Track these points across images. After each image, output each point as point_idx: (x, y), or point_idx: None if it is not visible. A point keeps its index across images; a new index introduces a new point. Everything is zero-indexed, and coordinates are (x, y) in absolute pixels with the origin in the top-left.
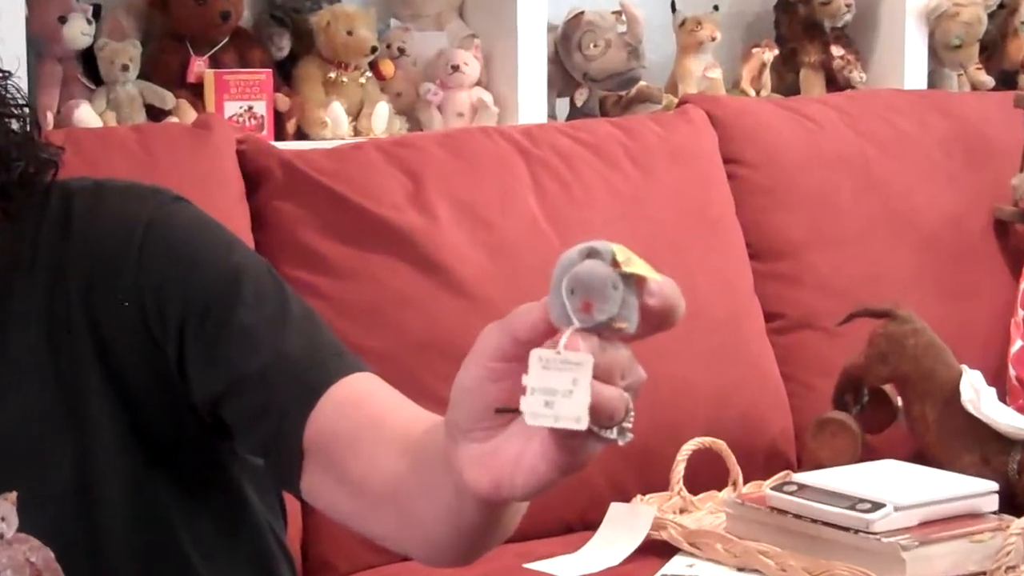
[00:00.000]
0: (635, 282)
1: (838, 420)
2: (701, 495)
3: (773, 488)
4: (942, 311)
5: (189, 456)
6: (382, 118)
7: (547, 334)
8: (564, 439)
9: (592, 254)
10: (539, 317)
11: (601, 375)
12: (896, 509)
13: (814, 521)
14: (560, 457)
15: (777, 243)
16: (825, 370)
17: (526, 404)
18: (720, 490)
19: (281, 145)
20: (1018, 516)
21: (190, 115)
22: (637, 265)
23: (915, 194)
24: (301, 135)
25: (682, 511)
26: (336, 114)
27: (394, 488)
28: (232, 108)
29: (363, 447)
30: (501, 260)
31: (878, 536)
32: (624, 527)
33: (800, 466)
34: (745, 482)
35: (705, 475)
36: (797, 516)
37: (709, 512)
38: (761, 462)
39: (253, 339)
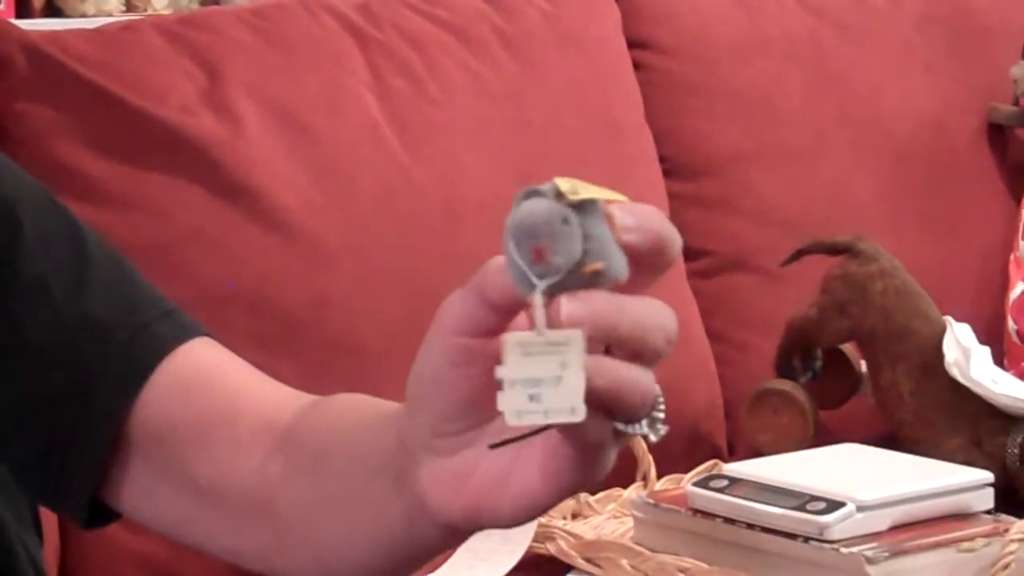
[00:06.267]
0: (601, 215)
1: (782, 391)
2: (600, 494)
3: (696, 484)
4: (919, 245)
5: None
6: None
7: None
8: (573, 443)
9: (531, 195)
10: None
11: (630, 339)
12: (859, 509)
13: (750, 526)
14: (568, 469)
15: (701, 156)
16: (764, 325)
17: (505, 402)
18: (625, 487)
19: (25, 24)
20: (1020, 516)
21: None
22: (588, 190)
23: (885, 91)
24: (53, 10)
25: (575, 516)
26: None
27: (263, 495)
28: None
29: (213, 441)
30: (329, 181)
31: (835, 545)
32: (497, 539)
33: (732, 454)
34: (659, 476)
35: None
36: (728, 520)
37: (611, 516)
38: (680, 449)
39: (42, 299)
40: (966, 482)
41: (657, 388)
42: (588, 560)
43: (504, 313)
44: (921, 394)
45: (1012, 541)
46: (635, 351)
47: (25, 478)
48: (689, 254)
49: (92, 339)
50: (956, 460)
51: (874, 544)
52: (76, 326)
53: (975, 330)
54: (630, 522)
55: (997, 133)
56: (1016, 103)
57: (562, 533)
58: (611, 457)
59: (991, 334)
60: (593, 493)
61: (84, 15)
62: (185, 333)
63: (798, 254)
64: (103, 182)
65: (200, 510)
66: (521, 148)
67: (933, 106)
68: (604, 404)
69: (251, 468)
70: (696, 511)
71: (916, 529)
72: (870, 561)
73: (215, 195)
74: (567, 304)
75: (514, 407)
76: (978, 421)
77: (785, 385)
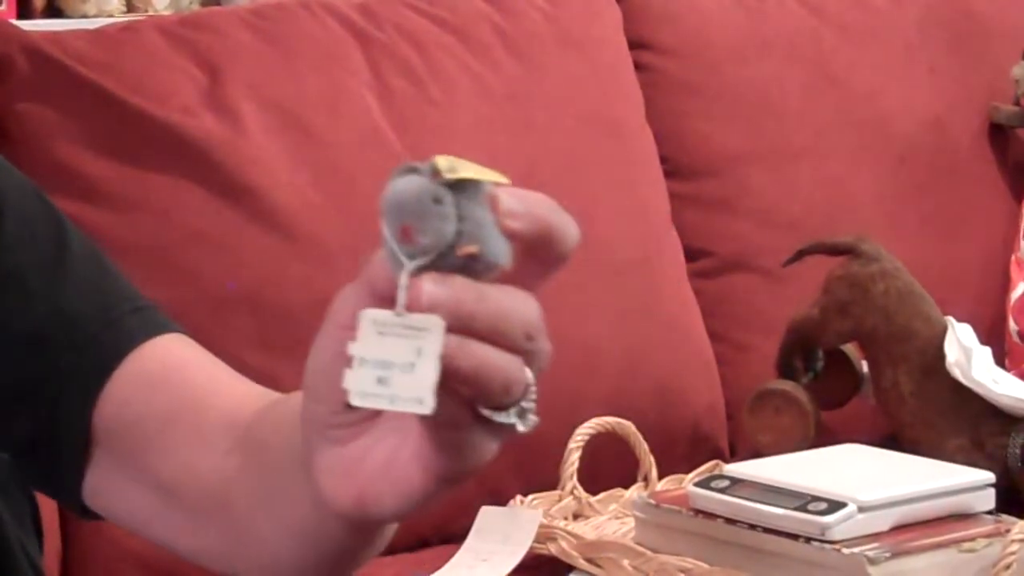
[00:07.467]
0: (483, 198)
1: (784, 392)
2: (602, 495)
3: (698, 484)
4: (921, 245)
5: None
6: None
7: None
8: (441, 432)
9: (407, 172)
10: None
11: (484, 330)
12: (861, 510)
13: (752, 527)
14: (439, 458)
15: (702, 157)
16: (766, 326)
17: (352, 380)
18: (627, 487)
19: (26, 25)
20: (1021, 517)
21: None
22: (468, 170)
23: (886, 92)
24: (53, 11)
25: (577, 516)
26: None
27: (222, 493)
28: None
29: (176, 437)
30: (330, 182)
31: (837, 546)
32: (499, 539)
33: (733, 454)
34: (661, 476)
35: (607, 468)
36: (729, 521)
37: (613, 517)
38: (682, 449)
39: (19, 289)
40: (967, 482)
41: (528, 376)
42: (589, 560)
43: (393, 302)
44: (922, 394)
45: (1013, 541)
46: (492, 342)
47: (24, 467)
48: (690, 254)
49: (64, 332)
50: (957, 460)
51: (875, 544)
52: (50, 319)
53: (976, 330)
54: (631, 523)
55: (998, 133)
56: (1017, 103)
57: (563, 533)
58: (486, 445)
59: (992, 335)
60: (594, 494)
61: (85, 16)
62: (156, 329)
63: (799, 254)
64: (104, 183)
65: (165, 509)
66: (522, 149)
67: (934, 106)
68: (466, 387)
69: (210, 466)
70: (697, 511)
71: (917, 529)
72: (871, 561)
73: (216, 196)
74: (429, 285)
75: (360, 387)
76: (979, 422)
77: (786, 385)
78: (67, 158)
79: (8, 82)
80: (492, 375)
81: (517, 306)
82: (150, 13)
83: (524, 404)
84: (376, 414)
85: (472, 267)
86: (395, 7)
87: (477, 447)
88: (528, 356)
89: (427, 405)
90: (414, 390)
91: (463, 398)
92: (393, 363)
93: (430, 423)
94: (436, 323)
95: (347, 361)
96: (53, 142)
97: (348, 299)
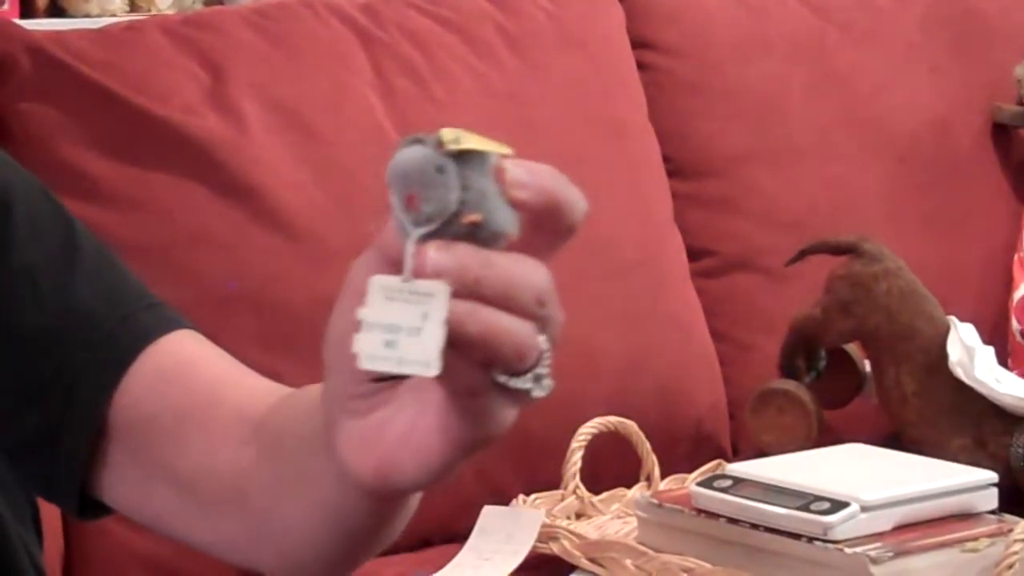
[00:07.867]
0: (487, 168)
1: (786, 391)
2: (604, 494)
3: (700, 483)
4: (923, 245)
5: None
6: None
7: None
8: (460, 400)
9: (413, 143)
10: None
11: (493, 296)
12: (864, 509)
13: (754, 526)
14: (459, 426)
15: (705, 156)
16: (768, 325)
17: (361, 343)
18: (630, 487)
19: (29, 24)
20: None
21: None
22: (472, 141)
23: (888, 91)
24: (56, 10)
25: (579, 516)
26: None
27: (237, 486)
28: None
29: (190, 432)
30: (333, 182)
31: (840, 545)
32: (501, 538)
33: (736, 454)
34: (663, 476)
35: (610, 467)
36: (732, 520)
37: (615, 517)
38: (684, 449)
39: (31, 286)
40: (970, 482)
41: (542, 343)
42: (592, 560)
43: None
44: (925, 394)
45: (1016, 541)
46: (503, 308)
47: (23, 468)
48: (693, 254)
49: (76, 329)
50: (960, 460)
51: (878, 544)
52: (62, 317)
53: (979, 330)
54: (634, 522)
55: (1001, 133)
56: (1020, 103)
57: (566, 533)
58: (504, 412)
59: (995, 334)
60: (597, 493)
61: (88, 15)
62: (168, 325)
63: (802, 254)
64: (107, 182)
65: (179, 502)
66: (524, 148)
67: (937, 106)
68: (478, 352)
69: (224, 459)
70: (700, 511)
71: (920, 529)
72: (874, 561)
73: (219, 195)
74: (433, 252)
75: (368, 350)
76: (982, 421)
77: (789, 385)
78: (70, 158)
79: (11, 82)
80: (502, 339)
81: (526, 272)
82: (153, 12)
83: (539, 370)
84: (395, 385)
85: (478, 235)
86: (398, 7)
87: (495, 414)
88: (541, 322)
89: (433, 367)
90: (420, 353)
91: (479, 365)
92: (400, 327)
93: (448, 391)
94: (441, 289)
95: (356, 326)
96: (56, 142)
97: (362, 267)
